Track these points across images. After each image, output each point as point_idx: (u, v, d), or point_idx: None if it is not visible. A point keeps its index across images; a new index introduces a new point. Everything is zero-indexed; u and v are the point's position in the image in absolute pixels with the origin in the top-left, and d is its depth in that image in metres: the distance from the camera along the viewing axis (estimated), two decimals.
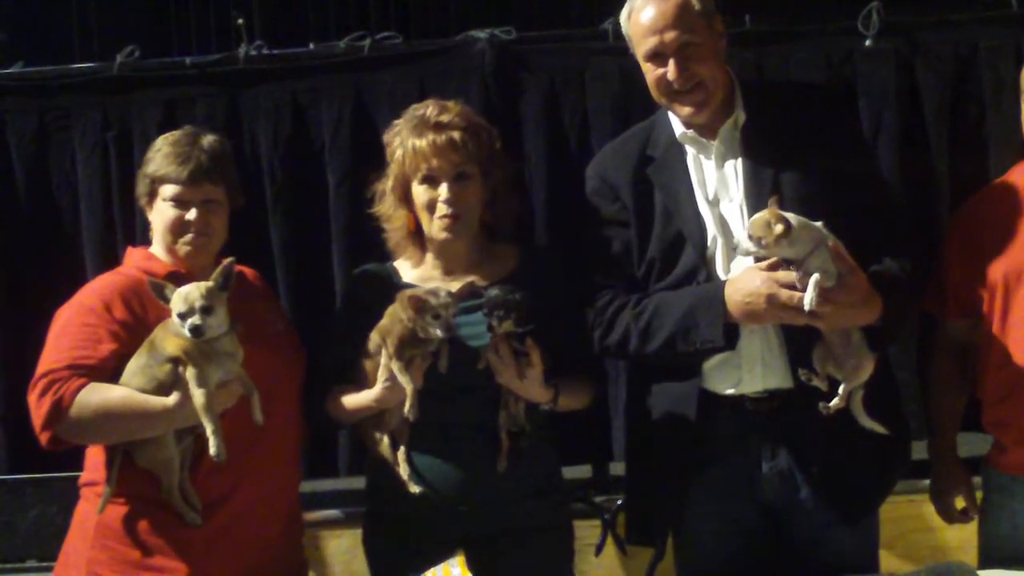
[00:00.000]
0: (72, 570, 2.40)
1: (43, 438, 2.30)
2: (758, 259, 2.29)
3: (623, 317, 2.44)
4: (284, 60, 3.25)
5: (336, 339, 2.59)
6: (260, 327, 2.49)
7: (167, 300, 2.28)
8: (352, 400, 2.48)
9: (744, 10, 3.12)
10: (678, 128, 2.49)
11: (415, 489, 2.42)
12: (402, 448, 2.46)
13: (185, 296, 2.25)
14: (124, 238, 3.11)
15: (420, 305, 2.37)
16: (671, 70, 2.37)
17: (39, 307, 2.56)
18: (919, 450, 2.67)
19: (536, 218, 3.18)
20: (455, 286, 2.45)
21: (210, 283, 2.28)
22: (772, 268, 2.25)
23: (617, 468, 3.13)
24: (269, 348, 2.48)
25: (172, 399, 2.26)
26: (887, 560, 2.75)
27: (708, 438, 2.42)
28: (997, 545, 2.50)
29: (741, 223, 2.35)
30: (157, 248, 2.50)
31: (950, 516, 2.67)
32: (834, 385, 2.30)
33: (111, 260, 2.92)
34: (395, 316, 2.41)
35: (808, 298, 2.17)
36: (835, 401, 2.29)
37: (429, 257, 2.58)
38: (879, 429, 2.33)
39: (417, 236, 2.57)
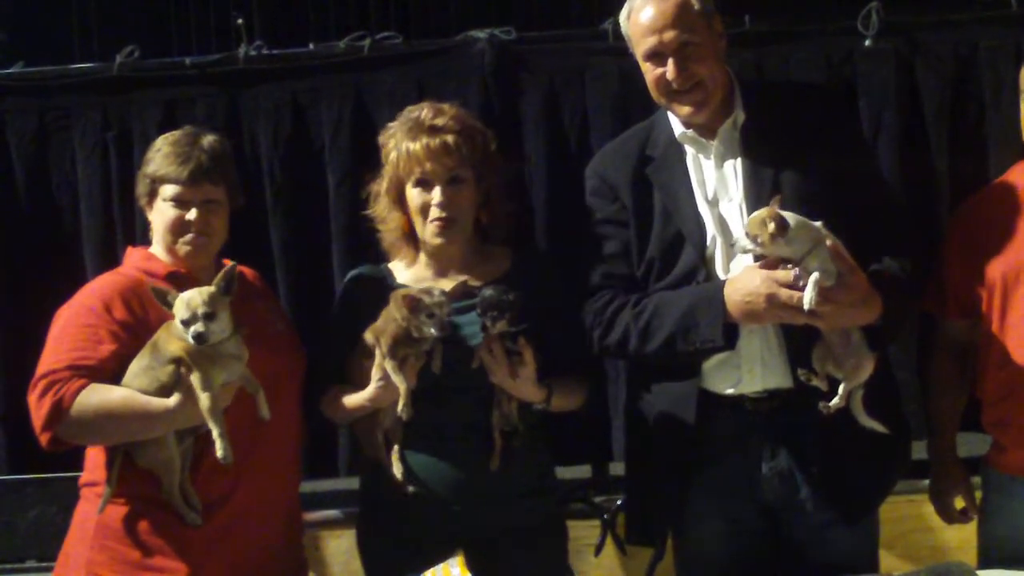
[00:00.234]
0: (72, 570, 2.39)
1: (43, 439, 2.30)
2: (757, 258, 2.29)
3: (623, 317, 2.44)
4: (284, 60, 3.26)
5: (331, 340, 2.60)
6: (260, 327, 2.48)
7: (170, 306, 2.27)
8: (347, 400, 2.48)
9: (744, 10, 3.13)
10: (677, 128, 2.49)
11: (409, 488, 2.43)
12: (396, 447, 2.47)
13: (188, 302, 2.25)
14: (124, 238, 3.12)
15: (414, 304, 2.37)
16: (670, 70, 2.37)
17: (39, 307, 2.55)
18: (919, 450, 2.67)
19: (536, 218, 3.19)
20: (448, 286, 2.46)
21: (212, 288, 2.27)
22: (771, 267, 2.25)
23: (617, 468, 3.13)
24: (269, 348, 2.47)
25: (173, 400, 2.26)
26: (887, 560, 2.75)
27: (708, 438, 2.41)
28: (996, 545, 2.50)
29: (740, 223, 2.34)
30: (157, 248, 2.50)
31: (950, 516, 2.67)
32: (834, 385, 2.30)
33: (111, 260, 2.93)
34: (389, 316, 2.41)
35: (808, 297, 2.16)
36: (835, 401, 2.29)
37: (422, 258, 2.58)
38: (879, 429, 2.33)
39: (411, 237, 2.57)
